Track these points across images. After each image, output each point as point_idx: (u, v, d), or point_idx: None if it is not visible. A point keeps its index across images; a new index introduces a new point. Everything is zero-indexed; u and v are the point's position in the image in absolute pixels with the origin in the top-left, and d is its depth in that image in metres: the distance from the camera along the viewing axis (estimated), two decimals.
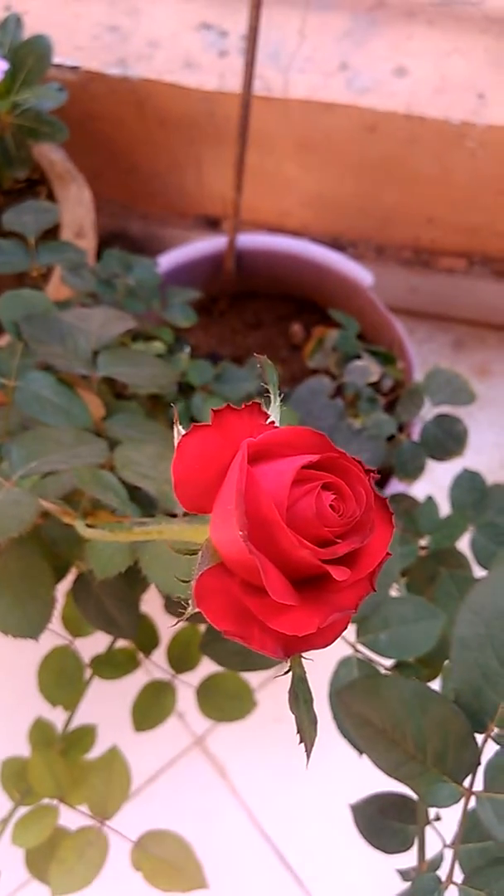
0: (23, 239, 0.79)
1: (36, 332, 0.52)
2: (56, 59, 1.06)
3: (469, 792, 0.39)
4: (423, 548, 0.68)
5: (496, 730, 0.38)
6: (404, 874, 0.46)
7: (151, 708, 0.64)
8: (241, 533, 0.25)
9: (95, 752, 0.65)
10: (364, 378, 0.75)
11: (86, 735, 0.62)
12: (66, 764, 0.58)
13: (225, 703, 0.66)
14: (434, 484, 0.85)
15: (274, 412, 0.32)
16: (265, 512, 0.26)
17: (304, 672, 0.30)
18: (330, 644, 0.28)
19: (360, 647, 0.52)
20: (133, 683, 0.68)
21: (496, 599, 0.38)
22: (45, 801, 0.57)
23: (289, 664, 0.30)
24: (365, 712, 0.40)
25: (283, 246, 0.98)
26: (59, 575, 0.50)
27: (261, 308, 1.06)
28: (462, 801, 0.38)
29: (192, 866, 0.53)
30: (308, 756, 0.28)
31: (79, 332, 0.55)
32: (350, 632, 0.52)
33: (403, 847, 0.47)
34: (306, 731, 0.29)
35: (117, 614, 0.52)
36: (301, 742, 0.29)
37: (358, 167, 1.09)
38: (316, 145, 1.08)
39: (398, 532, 0.66)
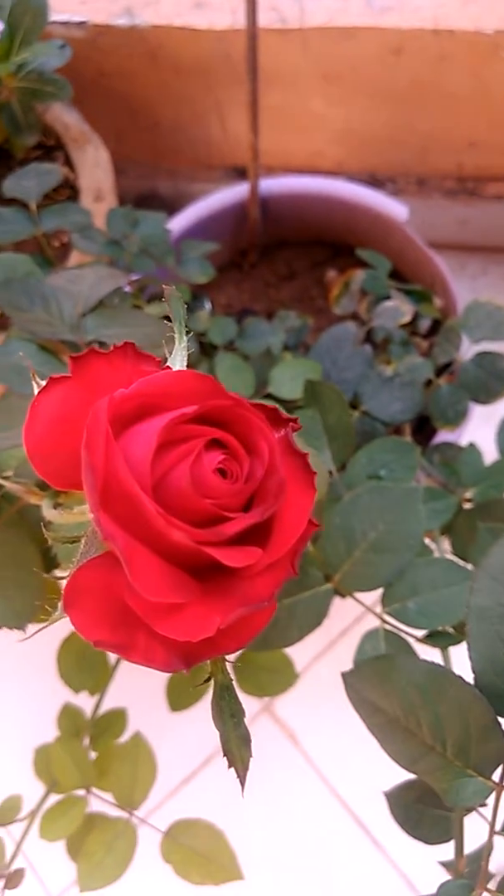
0: (26, 206, 0.75)
1: (14, 297, 0.48)
2: (62, 17, 1.02)
3: (500, 787, 0.33)
4: (467, 500, 0.62)
5: None
6: (448, 866, 0.42)
7: (186, 686, 0.61)
8: (91, 515, 0.20)
9: (150, 734, 0.62)
10: (395, 320, 0.68)
11: (116, 720, 0.59)
12: (96, 751, 0.55)
13: (264, 677, 0.62)
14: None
15: (178, 357, 0.26)
16: (125, 485, 0.21)
17: (230, 680, 0.25)
18: (245, 645, 0.23)
19: (388, 618, 0.47)
20: None
21: None
22: (76, 791, 0.55)
23: (209, 672, 0.25)
24: (375, 699, 0.35)
25: (309, 186, 0.92)
26: (52, 560, 0.47)
27: (293, 257, 0.99)
28: (493, 797, 0.33)
29: (225, 856, 0.50)
30: (242, 781, 0.23)
31: (65, 295, 0.51)
32: (375, 601, 0.47)
33: (446, 837, 0.42)
34: (235, 752, 0.24)
35: None
36: (230, 766, 0.24)
37: (388, 94, 1.01)
38: (341, 76, 1.00)
39: (436, 484, 0.60)
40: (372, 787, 1.04)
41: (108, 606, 0.22)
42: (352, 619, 1.09)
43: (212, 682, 0.62)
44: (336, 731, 1.06)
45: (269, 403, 0.24)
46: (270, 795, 1.04)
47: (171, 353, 0.26)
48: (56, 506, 0.37)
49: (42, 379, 0.26)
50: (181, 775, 1.05)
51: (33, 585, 0.44)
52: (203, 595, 0.22)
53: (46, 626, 0.24)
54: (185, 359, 0.26)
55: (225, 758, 0.24)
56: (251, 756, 0.24)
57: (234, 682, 0.62)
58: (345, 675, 0.37)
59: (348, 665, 1.04)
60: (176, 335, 0.26)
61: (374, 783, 1.05)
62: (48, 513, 0.36)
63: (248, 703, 1.11)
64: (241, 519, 0.22)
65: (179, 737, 0.97)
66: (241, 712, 0.25)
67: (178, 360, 0.26)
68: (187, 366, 0.31)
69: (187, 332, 0.27)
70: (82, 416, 0.23)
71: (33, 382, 0.24)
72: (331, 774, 1.05)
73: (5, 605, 0.43)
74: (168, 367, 0.26)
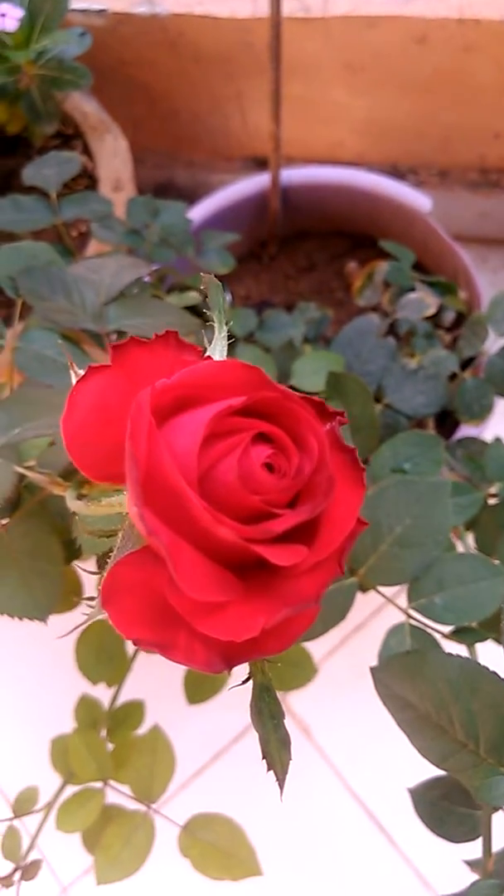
0: (46, 195, 0.75)
1: (35, 286, 0.48)
2: (82, 5, 1.01)
3: None
4: (492, 496, 0.61)
5: None
6: (473, 865, 0.41)
7: (204, 679, 0.61)
8: (135, 509, 0.19)
9: (164, 726, 0.61)
10: (419, 312, 0.67)
11: (134, 712, 0.58)
12: (114, 743, 0.55)
13: (284, 671, 0.61)
14: None
15: (217, 346, 0.25)
16: (170, 479, 0.20)
17: (270, 680, 0.24)
18: (288, 647, 0.22)
19: (414, 613, 0.46)
20: None
21: None
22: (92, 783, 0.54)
23: (248, 672, 0.24)
24: (405, 694, 0.34)
25: (331, 177, 0.91)
26: (77, 549, 0.47)
27: (313, 248, 0.99)
28: None
29: (244, 852, 0.49)
30: (281, 785, 0.22)
31: (87, 284, 0.50)
32: (395, 595, 0.46)
33: (472, 835, 0.41)
34: (275, 755, 0.23)
35: None
36: (269, 769, 0.23)
37: (411, 85, 1.00)
38: (363, 66, 0.99)
39: (460, 479, 0.59)
40: (386, 783, 1.04)
41: (147, 604, 0.21)
42: (368, 614, 1.08)
43: (233, 680, 0.61)
44: (350, 726, 1.06)
45: (316, 397, 0.23)
46: (284, 790, 1.04)
47: (209, 343, 0.25)
48: (80, 497, 0.36)
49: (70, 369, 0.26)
50: (193, 768, 1.05)
51: (55, 576, 0.43)
52: (247, 594, 0.21)
53: (86, 623, 0.23)
54: (226, 348, 0.25)
55: (264, 760, 0.24)
56: (290, 759, 0.24)
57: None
58: (374, 670, 0.36)
59: (364, 660, 1.02)
60: (216, 324, 0.26)
61: (389, 779, 1.05)
62: (72, 504, 0.36)
63: None
64: (289, 516, 0.21)
65: (192, 729, 0.96)
66: (281, 714, 0.24)
67: (218, 350, 0.25)
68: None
69: (226, 322, 0.26)
70: (122, 406, 0.22)
71: (71, 372, 0.23)
72: (345, 769, 1.04)
73: (27, 596, 0.42)
74: (209, 357, 0.25)
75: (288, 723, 0.91)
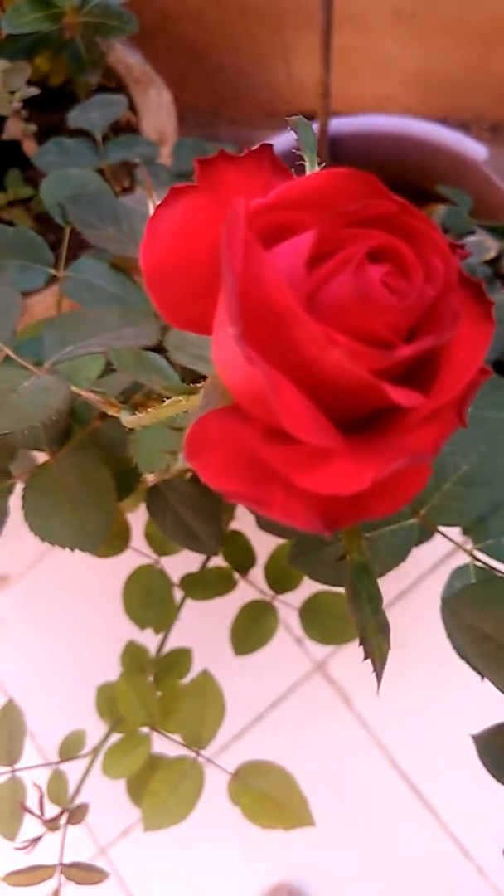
0: (92, 139, 0.73)
1: (84, 213, 0.46)
2: None
3: None
4: None
5: None
6: None
7: (251, 630, 0.59)
8: (232, 330, 0.16)
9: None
10: (479, 255, 0.65)
11: (181, 659, 0.57)
12: (161, 691, 0.53)
13: (330, 624, 0.59)
14: None
15: None
16: (272, 294, 0.17)
17: (367, 559, 0.22)
18: (397, 509, 0.19)
19: (479, 555, 0.44)
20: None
21: None
22: (140, 729, 0.53)
23: (344, 549, 0.22)
24: (481, 624, 0.32)
25: (382, 125, 0.88)
26: (127, 485, 0.45)
27: None
28: None
29: (296, 800, 0.48)
30: (379, 677, 0.20)
31: (137, 214, 0.48)
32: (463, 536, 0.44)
33: None
34: (374, 642, 0.21)
35: (197, 527, 0.46)
36: (366, 657, 0.21)
37: (463, 33, 0.96)
38: (414, 12, 0.96)
39: None
40: (426, 753, 1.02)
41: (237, 459, 0.18)
42: (409, 582, 1.06)
43: (275, 632, 0.58)
44: (391, 694, 1.04)
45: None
46: (323, 758, 1.02)
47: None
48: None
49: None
50: (231, 732, 1.04)
51: (106, 508, 0.42)
52: (352, 447, 0.18)
53: (165, 477, 0.21)
54: None
55: (361, 647, 0.22)
56: (389, 647, 0.22)
57: (301, 628, 0.60)
58: (446, 600, 0.34)
59: (406, 627, 0.99)
60: (307, 163, 0.24)
61: (429, 748, 1.03)
62: (127, 420, 0.34)
63: (301, 663, 1.08)
64: (416, 343, 0.18)
65: (232, 691, 0.95)
66: (380, 597, 0.22)
67: None
68: None
69: (319, 163, 0.24)
70: (210, 232, 0.19)
71: (149, 201, 0.21)
72: (385, 738, 1.03)
73: (78, 527, 0.41)
74: None
75: (328, 691, 0.89)
